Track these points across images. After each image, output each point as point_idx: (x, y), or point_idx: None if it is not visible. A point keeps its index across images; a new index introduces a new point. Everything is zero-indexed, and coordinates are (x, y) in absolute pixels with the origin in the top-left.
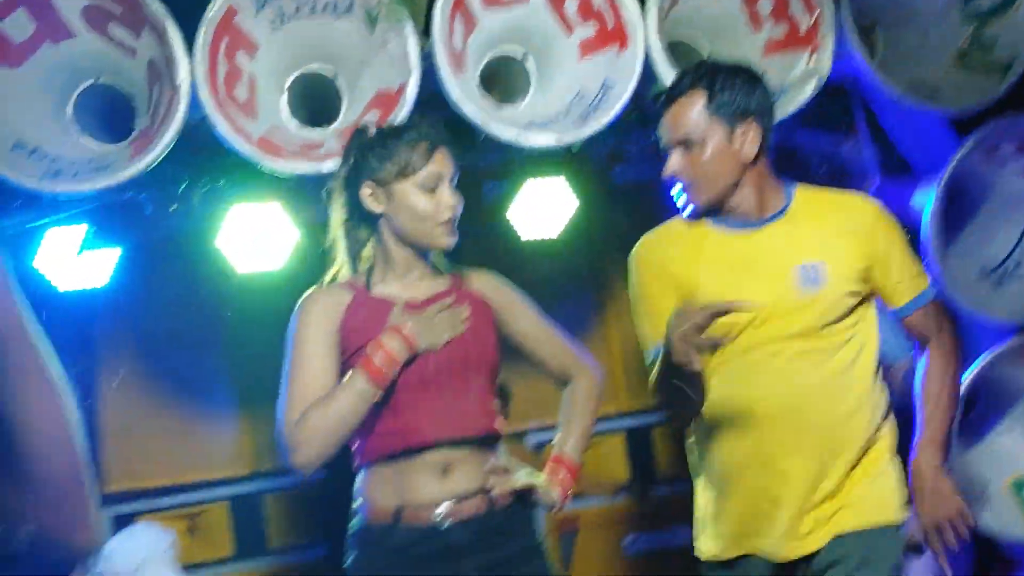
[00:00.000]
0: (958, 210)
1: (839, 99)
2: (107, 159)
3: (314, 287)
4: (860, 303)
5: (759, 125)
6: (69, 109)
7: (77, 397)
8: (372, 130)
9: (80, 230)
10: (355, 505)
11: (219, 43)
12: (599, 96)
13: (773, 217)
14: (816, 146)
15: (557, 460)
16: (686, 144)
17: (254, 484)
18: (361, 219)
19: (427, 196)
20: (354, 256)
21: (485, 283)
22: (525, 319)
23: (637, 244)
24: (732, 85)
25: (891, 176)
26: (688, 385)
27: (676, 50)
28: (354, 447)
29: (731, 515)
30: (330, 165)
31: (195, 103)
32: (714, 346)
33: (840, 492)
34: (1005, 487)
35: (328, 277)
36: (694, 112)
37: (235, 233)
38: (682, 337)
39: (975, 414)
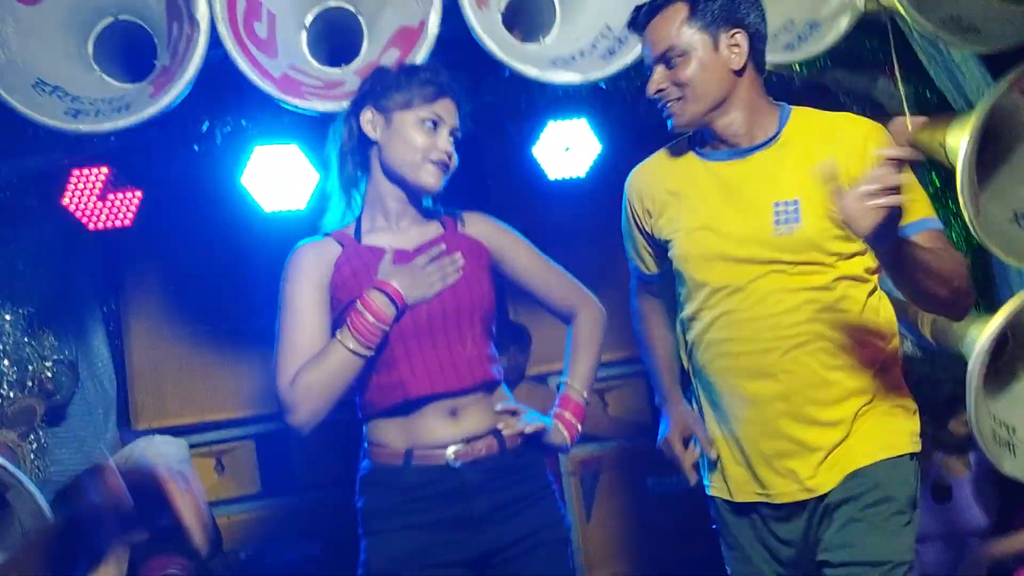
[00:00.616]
0: (992, 152)
1: (874, 33)
2: (127, 98)
3: (304, 240)
4: (853, 255)
5: (747, 34)
6: (89, 47)
7: (107, 336)
8: (393, 68)
9: (102, 172)
10: (364, 448)
11: None
12: (625, 31)
13: (761, 145)
14: (851, 83)
15: (564, 400)
16: (668, 59)
17: (280, 423)
18: (356, 146)
19: (424, 132)
20: (345, 187)
21: (480, 225)
22: (525, 257)
23: (629, 175)
24: None
25: (927, 114)
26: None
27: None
28: (357, 399)
29: (735, 461)
30: None
31: (215, 40)
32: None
33: (846, 433)
34: None
35: (320, 198)
36: (676, 24)
37: (258, 173)
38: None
39: (1003, 360)
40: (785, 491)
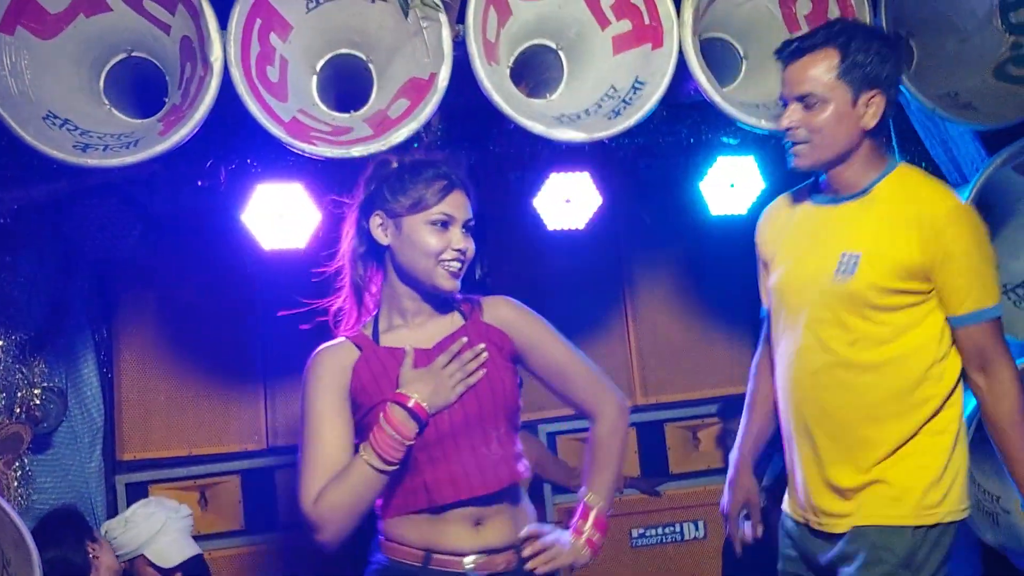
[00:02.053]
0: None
1: None
2: (137, 134)
3: (323, 345)
4: (914, 304)
5: (884, 96)
6: (100, 82)
7: (97, 365)
8: (394, 163)
9: (108, 203)
10: (377, 541)
11: (253, 23)
12: (630, 93)
13: (854, 196)
14: None
15: (585, 514)
16: (807, 100)
17: (266, 459)
18: (368, 250)
19: (437, 234)
20: (359, 291)
21: (503, 312)
22: (550, 350)
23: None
24: (867, 50)
25: None
26: None
27: (709, 49)
28: (375, 503)
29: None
30: (359, 150)
31: (226, 82)
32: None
33: (867, 484)
34: (1017, 506)
35: (333, 310)
36: (823, 69)
37: (260, 211)
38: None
39: None
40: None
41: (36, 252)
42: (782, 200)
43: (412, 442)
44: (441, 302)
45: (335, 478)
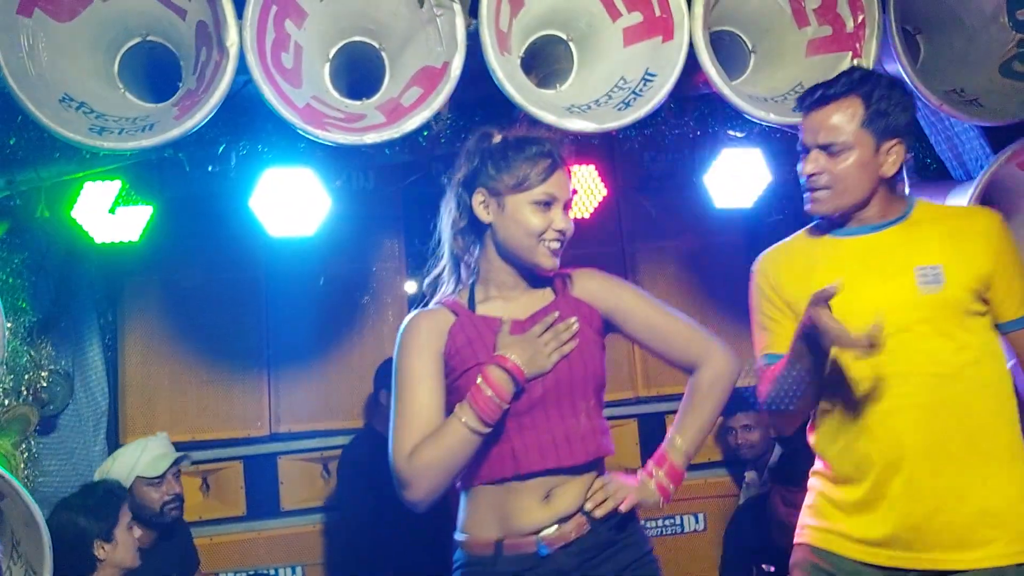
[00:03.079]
0: None
1: None
2: (151, 118)
3: (417, 309)
4: (983, 314)
5: (904, 146)
6: (115, 66)
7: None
8: (497, 137)
9: (114, 186)
10: (456, 537)
11: (269, 9)
12: (640, 85)
13: (892, 222)
14: None
15: (661, 458)
16: (831, 148)
17: (269, 445)
18: (469, 225)
19: (539, 213)
20: (457, 262)
21: (590, 284)
22: (640, 312)
23: (758, 258)
24: (889, 99)
25: (928, 181)
26: (812, 374)
27: (718, 42)
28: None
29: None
30: (371, 137)
31: (241, 67)
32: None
33: (983, 513)
34: None
35: (430, 279)
36: (847, 118)
37: (268, 196)
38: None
39: None
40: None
41: (43, 234)
42: (789, 244)
43: (508, 405)
44: (536, 277)
45: (430, 437)
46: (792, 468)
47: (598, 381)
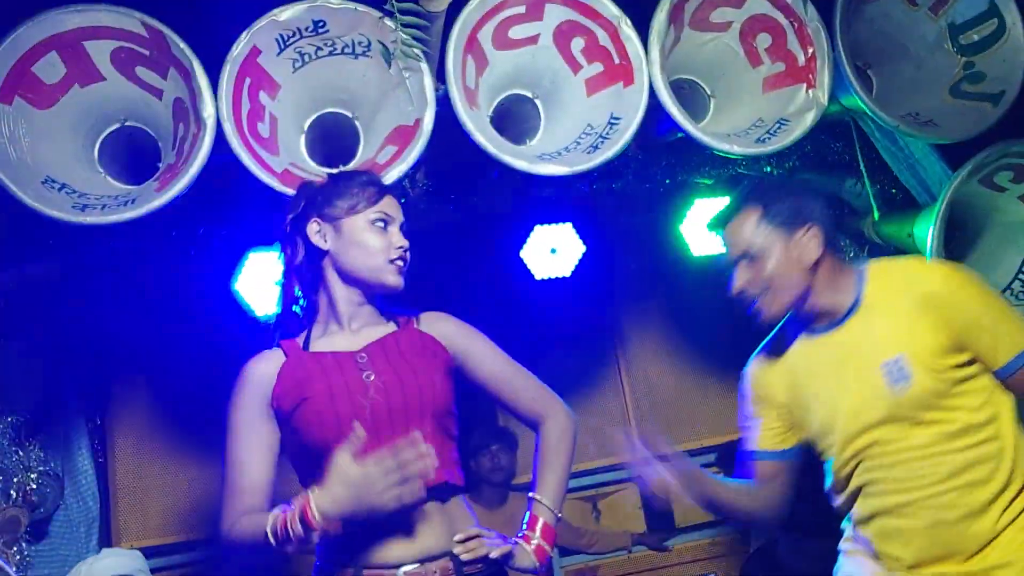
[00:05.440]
0: (960, 239)
1: (839, 137)
2: (133, 194)
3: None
4: (974, 376)
5: (819, 227)
6: (95, 151)
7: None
8: (321, 178)
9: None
10: (316, 567)
11: (243, 82)
12: (607, 128)
13: (850, 311)
14: (820, 184)
15: (532, 520)
16: (748, 257)
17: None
18: (307, 257)
19: (377, 233)
20: (293, 301)
21: (439, 325)
22: (490, 359)
23: (748, 363)
24: (785, 194)
25: (894, 209)
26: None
27: (678, 90)
28: None
29: None
30: None
31: (218, 144)
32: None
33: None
34: None
35: (274, 321)
36: (751, 226)
37: (253, 279)
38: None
39: None
40: None
41: (30, 333)
42: (767, 352)
43: (312, 541)
44: (378, 310)
45: (250, 519)
46: (794, 517)
47: (437, 407)
